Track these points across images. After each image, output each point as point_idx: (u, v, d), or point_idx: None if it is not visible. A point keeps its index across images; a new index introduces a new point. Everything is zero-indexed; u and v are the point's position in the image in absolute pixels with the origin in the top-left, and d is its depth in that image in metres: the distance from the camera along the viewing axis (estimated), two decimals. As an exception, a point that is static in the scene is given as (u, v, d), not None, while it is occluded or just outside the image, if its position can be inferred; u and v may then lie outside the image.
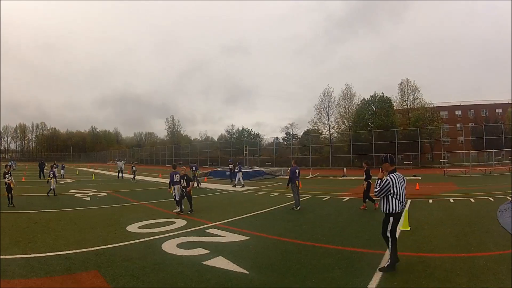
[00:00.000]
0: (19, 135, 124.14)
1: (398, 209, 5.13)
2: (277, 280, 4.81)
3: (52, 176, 15.77)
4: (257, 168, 31.97)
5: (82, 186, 21.28)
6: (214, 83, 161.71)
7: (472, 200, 12.13)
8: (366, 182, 11.42)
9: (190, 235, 7.58)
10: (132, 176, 26.88)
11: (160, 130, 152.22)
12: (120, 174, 29.66)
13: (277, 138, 64.83)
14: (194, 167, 20.77)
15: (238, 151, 55.56)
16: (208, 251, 6.17)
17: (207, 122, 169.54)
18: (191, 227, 8.44)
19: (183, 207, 10.91)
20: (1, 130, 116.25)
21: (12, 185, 12.32)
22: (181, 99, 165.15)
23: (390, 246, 5.16)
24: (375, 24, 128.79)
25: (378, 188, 5.16)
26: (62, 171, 30.18)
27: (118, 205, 13.05)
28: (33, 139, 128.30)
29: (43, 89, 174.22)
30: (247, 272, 5.07)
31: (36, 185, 21.92)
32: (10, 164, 16.20)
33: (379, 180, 5.21)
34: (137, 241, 7.17)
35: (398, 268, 5.05)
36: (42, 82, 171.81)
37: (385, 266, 5.10)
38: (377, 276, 4.80)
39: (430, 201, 12.44)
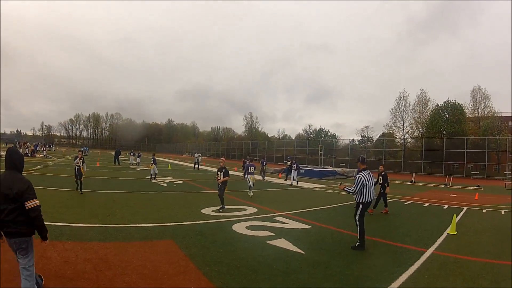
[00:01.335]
0: (92, 123, 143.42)
1: (366, 200, 7.23)
2: (328, 260, 6.12)
3: (153, 162, 19.17)
4: (330, 168, 35.89)
5: (159, 174, 23.87)
6: (298, 82, 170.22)
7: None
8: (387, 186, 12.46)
9: (259, 220, 9.14)
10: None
11: (238, 126, 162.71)
12: (197, 165, 33.14)
13: (353, 140, 68.66)
14: (264, 162, 25.69)
15: (314, 151, 61.17)
16: (273, 234, 7.63)
17: (288, 121, 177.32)
18: (260, 214, 10.10)
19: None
20: (73, 117, 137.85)
21: (83, 171, 12.61)
22: (264, 97, 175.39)
23: (358, 229, 7.14)
24: (455, 27, 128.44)
25: (355, 185, 7.27)
26: (138, 159, 33.82)
27: (194, 192, 15.09)
28: (107, 128, 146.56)
29: (122, 81, 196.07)
30: (303, 252, 6.42)
31: (112, 170, 25.60)
32: (82, 150, 18.78)
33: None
34: (210, 221, 8.83)
35: (433, 264, 6.17)
36: (121, 75, 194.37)
37: (355, 245, 7.02)
38: (413, 267, 5.89)
39: (484, 211, 13.80)
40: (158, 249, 6.10)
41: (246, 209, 10.81)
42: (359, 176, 7.27)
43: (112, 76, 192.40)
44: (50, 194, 11.24)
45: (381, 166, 13.51)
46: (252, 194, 14.27)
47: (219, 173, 10.96)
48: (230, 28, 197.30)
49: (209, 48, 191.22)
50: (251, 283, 4.82)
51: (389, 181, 12.25)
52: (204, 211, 10.15)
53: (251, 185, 14.80)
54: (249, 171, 15.37)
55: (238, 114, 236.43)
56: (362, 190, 7.20)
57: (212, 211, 10.20)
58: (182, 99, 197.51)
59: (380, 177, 12.21)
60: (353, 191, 7.28)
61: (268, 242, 6.92)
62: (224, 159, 11.88)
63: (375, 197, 9.24)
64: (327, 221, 9.79)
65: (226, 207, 10.56)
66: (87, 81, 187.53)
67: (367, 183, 7.19)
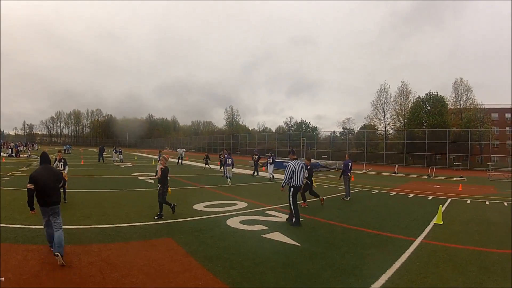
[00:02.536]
0: (73, 120, 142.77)
1: (296, 183, 8.75)
2: (323, 251, 6.46)
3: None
4: (313, 161, 34.27)
5: (143, 170, 24.20)
6: (280, 75, 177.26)
7: (505, 204, 13.73)
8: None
9: (251, 215, 9.48)
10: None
11: (219, 120, 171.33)
12: (180, 161, 33.30)
13: (334, 132, 70.68)
14: (256, 157, 24.77)
15: (295, 143, 60.61)
16: (267, 227, 7.96)
17: (269, 113, 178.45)
18: (251, 208, 10.39)
19: None
20: (54, 115, 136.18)
21: (65, 177, 9.70)
22: (245, 90, 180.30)
23: (292, 208, 8.57)
24: (439, 20, 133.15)
25: (287, 173, 8.71)
26: (120, 155, 33.62)
27: (182, 188, 15.12)
28: (88, 125, 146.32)
29: (102, 78, 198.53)
30: (299, 244, 6.76)
31: (97, 167, 25.28)
32: (65, 148, 18.45)
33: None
34: (204, 217, 9.07)
35: (423, 253, 6.58)
36: (102, 72, 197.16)
37: (292, 222, 8.44)
38: (405, 256, 6.29)
39: (468, 201, 14.34)
40: (158, 247, 6.21)
41: (236, 204, 11.11)
42: (289, 164, 8.82)
43: (93, 73, 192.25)
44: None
45: (346, 155, 15.15)
46: (230, 183, 16.64)
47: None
48: (211, 23, 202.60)
49: (191, 44, 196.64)
50: (255, 276, 5.03)
51: (372, 172, 12.65)
52: (196, 207, 10.34)
53: (229, 176, 17.35)
54: (227, 163, 18.07)
55: (219, 107, 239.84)
56: (292, 175, 8.70)
57: (203, 206, 10.41)
58: (162, 94, 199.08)
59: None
60: (286, 178, 8.73)
61: (263, 236, 7.21)
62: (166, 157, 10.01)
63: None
64: (317, 214, 10.18)
65: (216, 202, 10.95)
66: (67, 78, 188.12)
67: (296, 169, 8.73)
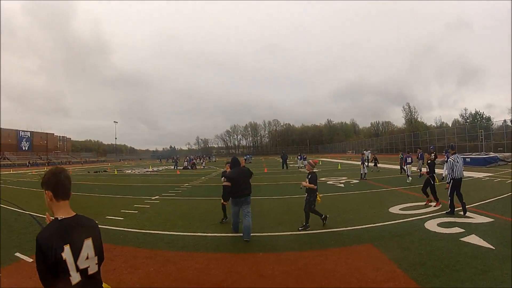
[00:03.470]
0: (250, 132, 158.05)
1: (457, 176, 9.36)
2: None
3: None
4: (492, 154, 33.77)
5: (331, 174, 24.17)
6: (445, 66, 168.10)
7: None
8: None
9: (446, 216, 8.92)
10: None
11: (397, 119, 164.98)
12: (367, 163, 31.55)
13: (505, 121, 59.41)
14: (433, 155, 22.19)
15: (473, 137, 57.58)
16: (464, 230, 7.39)
17: (443, 107, 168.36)
18: (445, 209, 9.59)
19: None
20: (230, 129, 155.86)
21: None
22: (416, 86, 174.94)
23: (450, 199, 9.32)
24: None
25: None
26: (305, 162, 34.57)
27: (374, 191, 14.65)
28: (266, 135, 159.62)
29: (274, 89, 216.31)
30: (493, 248, 6.14)
31: (282, 174, 26.76)
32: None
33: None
34: (402, 221, 8.58)
35: None
36: (271, 84, 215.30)
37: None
38: None
39: None
40: (359, 254, 5.96)
41: (431, 205, 10.35)
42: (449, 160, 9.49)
43: (263, 85, 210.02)
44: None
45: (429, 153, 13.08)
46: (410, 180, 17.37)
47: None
48: (371, 24, 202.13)
49: (354, 45, 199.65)
50: (456, 284, 4.63)
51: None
52: (392, 210, 9.85)
53: (409, 173, 18.58)
54: (407, 161, 19.14)
55: (395, 106, 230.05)
56: (453, 168, 9.33)
57: (399, 209, 9.85)
58: (338, 99, 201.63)
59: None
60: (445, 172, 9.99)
61: (461, 239, 6.76)
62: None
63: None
64: (505, 213, 9.11)
65: (410, 204, 10.49)
66: (237, 93, 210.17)
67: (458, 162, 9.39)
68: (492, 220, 8.26)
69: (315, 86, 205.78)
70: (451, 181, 9.32)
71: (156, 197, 11.42)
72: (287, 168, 33.62)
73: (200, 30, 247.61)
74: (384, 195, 13.24)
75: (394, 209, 9.86)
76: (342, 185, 16.96)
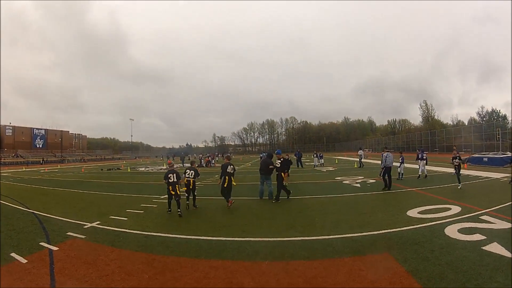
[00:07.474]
0: (267, 129, 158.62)
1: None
2: None
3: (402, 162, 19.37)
4: (510, 154, 33.02)
5: (346, 173, 23.58)
6: (469, 62, 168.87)
7: None
8: None
9: (467, 221, 8.33)
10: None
11: (414, 117, 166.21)
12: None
13: None
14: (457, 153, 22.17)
15: (489, 136, 57.33)
16: (485, 237, 6.87)
17: (464, 105, 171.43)
18: (466, 214, 9.15)
19: None
20: (247, 126, 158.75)
21: (233, 183, 11.67)
22: (438, 83, 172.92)
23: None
24: None
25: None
26: (321, 160, 33.95)
27: (391, 191, 13.99)
28: (283, 132, 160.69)
29: (292, 86, 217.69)
30: None
31: (297, 173, 25.79)
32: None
33: None
34: (420, 226, 8.01)
35: None
36: (291, 80, 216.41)
37: None
38: None
39: None
40: (374, 265, 5.46)
41: (450, 208, 9.82)
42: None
43: (280, 82, 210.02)
44: (241, 204, 11.83)
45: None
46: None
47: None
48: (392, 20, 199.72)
49: (375, 41, 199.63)
50: None
51: None
52: (410, 213, 9.26)
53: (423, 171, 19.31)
54: (418, 157, 19.93)
55: (415, 103, 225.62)
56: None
57: (417, 212, 9.28)
58: (359, 95, 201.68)
59: None
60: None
61: (483, 248, 6.21)
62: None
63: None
64: None
65: (429, 207, 10.04)
66: (255, 90, 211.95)
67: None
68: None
69: (335, 83, 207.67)
70: (384, 168, 14.33)
71: (165, 196, 11.11)
72: (302, 166, 32.84)
73: (217, 26, 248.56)
74: (402, 197, 12.73)
75: (412, 212, 9.30)
76: (359, 185, 16.46)
